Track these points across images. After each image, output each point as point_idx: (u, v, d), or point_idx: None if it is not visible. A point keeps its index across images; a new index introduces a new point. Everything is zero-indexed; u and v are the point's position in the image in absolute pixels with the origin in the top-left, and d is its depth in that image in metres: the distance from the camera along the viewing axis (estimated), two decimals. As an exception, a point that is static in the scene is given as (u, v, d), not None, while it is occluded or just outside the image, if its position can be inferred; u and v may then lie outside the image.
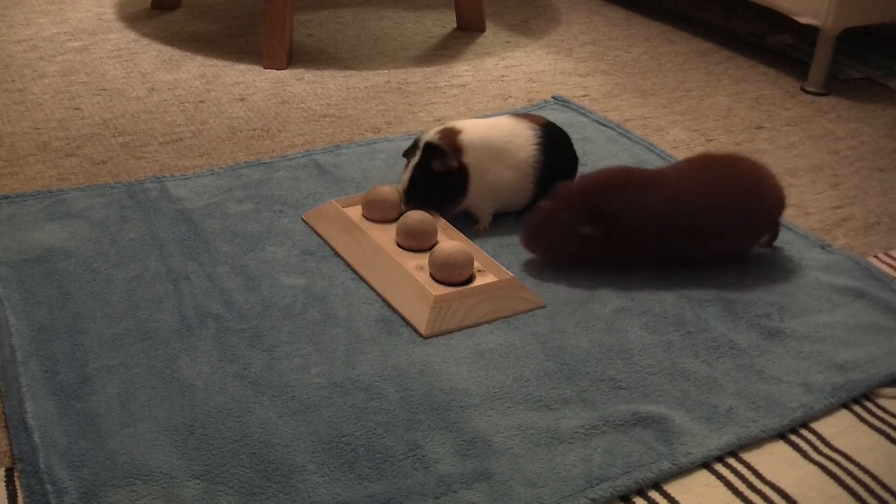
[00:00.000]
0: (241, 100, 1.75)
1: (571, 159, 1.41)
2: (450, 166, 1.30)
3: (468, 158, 1.31)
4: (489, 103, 1.81)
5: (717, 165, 1.30)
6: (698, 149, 1.68)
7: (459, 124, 1.34)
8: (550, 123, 1.40)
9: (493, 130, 1.35)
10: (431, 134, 1.32)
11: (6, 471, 0.92)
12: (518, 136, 1.35)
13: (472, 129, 1.34)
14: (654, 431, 1.00)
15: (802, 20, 1.93)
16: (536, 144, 1.35)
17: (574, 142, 1.42)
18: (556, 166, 1.37)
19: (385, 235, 1.28)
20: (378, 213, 1.32)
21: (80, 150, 1.54)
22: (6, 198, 1.36)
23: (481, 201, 1.35)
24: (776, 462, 0.99)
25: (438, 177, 1.30)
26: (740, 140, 1.73)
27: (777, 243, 1.37)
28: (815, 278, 1.29)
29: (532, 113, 1.56)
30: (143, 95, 1.75)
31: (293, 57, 1.96)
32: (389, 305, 1.18)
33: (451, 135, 1.32)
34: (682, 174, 1.29)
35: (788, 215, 1.47)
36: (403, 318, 1.16)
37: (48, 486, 0.88)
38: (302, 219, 1.36)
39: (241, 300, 1.17)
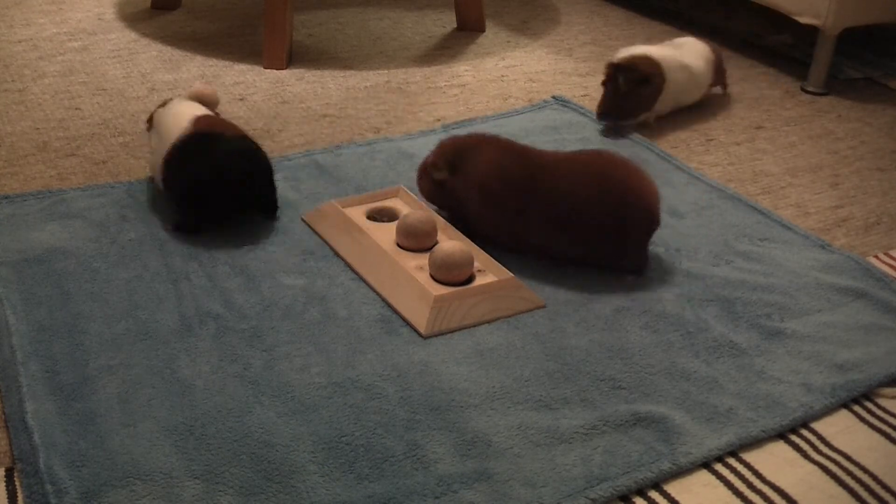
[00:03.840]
0: (241, 100, 1.75)
1: None
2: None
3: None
4: (489, 103, 1.81)
5: (595, 160, 1.28)
6: (698, 148, 1.68)
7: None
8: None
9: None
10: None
11: (6, 471, 0.92)
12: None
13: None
14: (654, 431, 1.00)
15: (802, 20, 1.93)
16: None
17: (573, 142, 1.43)
18: None
19: (385, 235, 1.28)
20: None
21: (80, 150, 1.54)
22: (6, 198, 1.36)
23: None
24: (776, 462, 0.99)
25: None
26: (740, 140, 1.73)
27: (777, 243, 1.37)
28: (815, 278, 1.29)
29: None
30: (143, 95, 1.75)
31: (293, 57, 1.96)
32: (389, 305, 1.18)
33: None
34: (558, 158, 1.29)
35: (788, 215, 1.47)
36: (403, 318, 1.16)
37: (48, 486, 0.88)
38: (302, 219, 1.36)
39: (241, 300, 1.17)
